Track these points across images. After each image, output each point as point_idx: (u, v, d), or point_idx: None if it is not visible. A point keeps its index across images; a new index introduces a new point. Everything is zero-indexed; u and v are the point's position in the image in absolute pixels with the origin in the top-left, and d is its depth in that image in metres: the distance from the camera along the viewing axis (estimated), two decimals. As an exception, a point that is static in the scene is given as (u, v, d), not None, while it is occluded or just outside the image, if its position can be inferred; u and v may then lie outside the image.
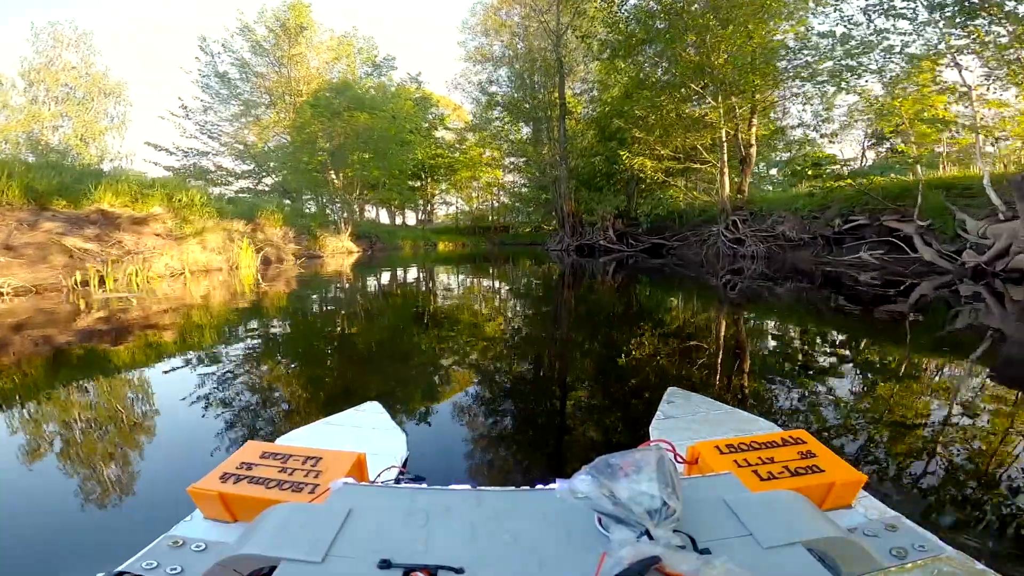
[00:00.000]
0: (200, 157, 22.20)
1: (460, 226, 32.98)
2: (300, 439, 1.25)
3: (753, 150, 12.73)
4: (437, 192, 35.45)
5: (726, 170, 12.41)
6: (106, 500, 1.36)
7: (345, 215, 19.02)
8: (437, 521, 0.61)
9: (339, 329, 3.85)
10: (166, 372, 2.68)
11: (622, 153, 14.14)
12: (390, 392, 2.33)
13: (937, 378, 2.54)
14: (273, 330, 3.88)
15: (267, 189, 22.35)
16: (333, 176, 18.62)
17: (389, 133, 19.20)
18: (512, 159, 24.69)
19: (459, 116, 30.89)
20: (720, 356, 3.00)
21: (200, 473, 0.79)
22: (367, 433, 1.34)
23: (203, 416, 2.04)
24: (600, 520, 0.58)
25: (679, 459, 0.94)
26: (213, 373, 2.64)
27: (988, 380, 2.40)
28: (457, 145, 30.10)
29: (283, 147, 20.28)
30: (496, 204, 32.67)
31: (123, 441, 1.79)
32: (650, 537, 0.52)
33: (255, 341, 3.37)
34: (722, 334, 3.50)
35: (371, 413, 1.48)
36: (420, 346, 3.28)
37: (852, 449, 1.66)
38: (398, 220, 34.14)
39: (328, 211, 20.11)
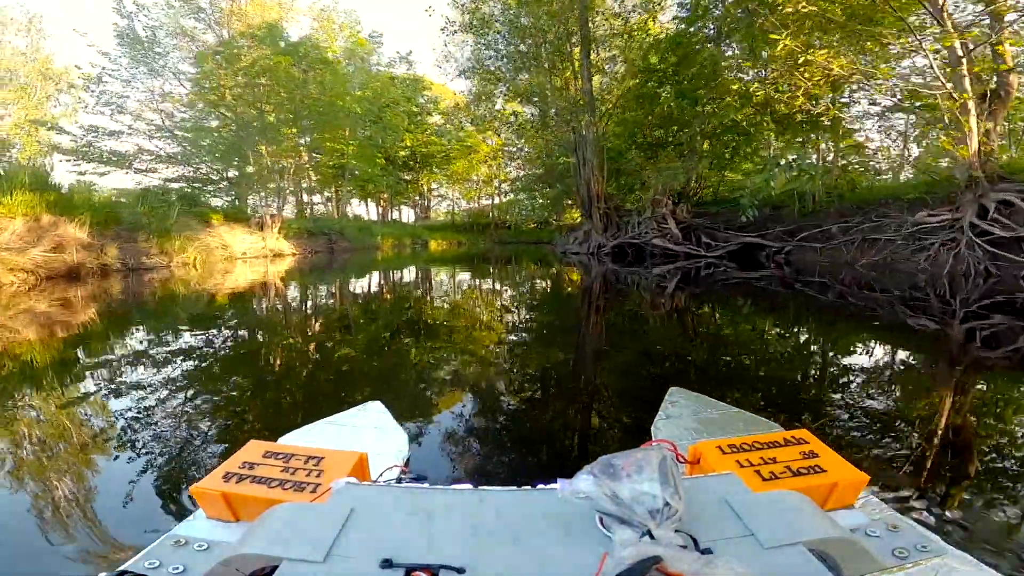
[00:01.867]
0: (110, 138, 21.21)
1: (457, 223, 35.52)
2: (302, 438, 1.47)
3: (1014, 79, 8.81)
4: (433, 186, 37.87)
5: (972, 108, 8.24)
6: (109, 500, 1.65)
7: (274, 205, 18.35)
8: (439, 521, 0.76)
9: None
10: (167, 373, 3.24)
11: (774, 35, 9.02)
12: (392, 392, 2.87)
13: (940, 379, 3.05)
14: None
15: (214, 177, 21.83)
16: (262, 152, 17.84)
17: (338, 100, 18.99)
18: (515, 126, 24.52)
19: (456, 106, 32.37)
20: (722, 356, 3.56)
21: (203, 473, 0.96)
22: (369, 433, 1.57)
23: (205, 416, 2.48)
24: (601, 520, 0.73)
25: (681, 459, 1.15)
26: (213, 374, 3.25)
27: (995, 381, 2.87)
28: (450, 126, 31.36)
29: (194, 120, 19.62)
30: (497, 200, 34.94)
31: (125, 441, 2.14)
32: (652, 537, 0.65)
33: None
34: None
35: (373, 413, 1.74)
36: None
37: (854, 449, 2.02)
38: (394, 217, 36.41)
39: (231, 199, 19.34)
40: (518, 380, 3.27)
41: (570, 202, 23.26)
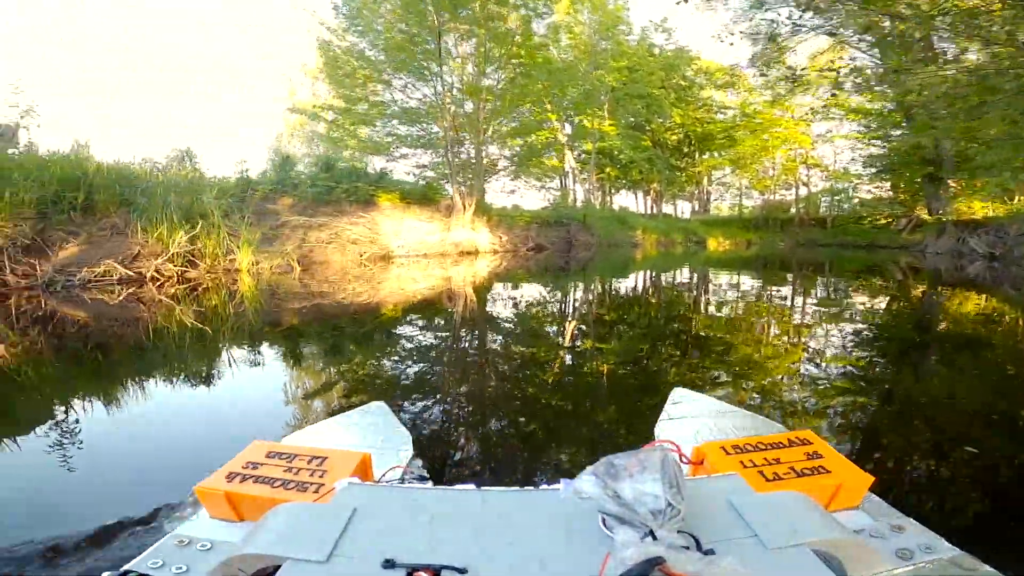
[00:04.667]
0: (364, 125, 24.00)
1: (745, 217, 36.28)
2: (306, 439, 1.91)
3: None
4: (715, 175, 39.44)
5: None
6: (111, 500, 2.22)
7: (470, 182, 18.55)
8: (441, 521, 0.99)
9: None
10: (170, 371, 4.35)
11: None
12: (396, 392, 3.73)
13: (944, 378, 4.06)
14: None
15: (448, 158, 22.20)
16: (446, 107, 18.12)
17: (599, 78, 20.00)
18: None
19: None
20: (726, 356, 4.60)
21: (206, 472, 1.36)
22: (372, 433, 2.01)
23: (209, 415, 3.37)
24: (604, 520, 0.94)
25: (684, 459, 1.44)
26: (218, 373, 4.28)
27: (1001, 380, 3.79)
28: (734, 100, 32.49)
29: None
30: (804, 190, 34.41)
31: (127, 441, 2.97)
32: (654, 538, 0.84)
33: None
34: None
35: (376, 413, 2.19)
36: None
37: (859, 450, 2.71)
38: (667, 211, 38.75)
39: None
40: (521, 379, 4.20)
41: (954, 185, 20.45)
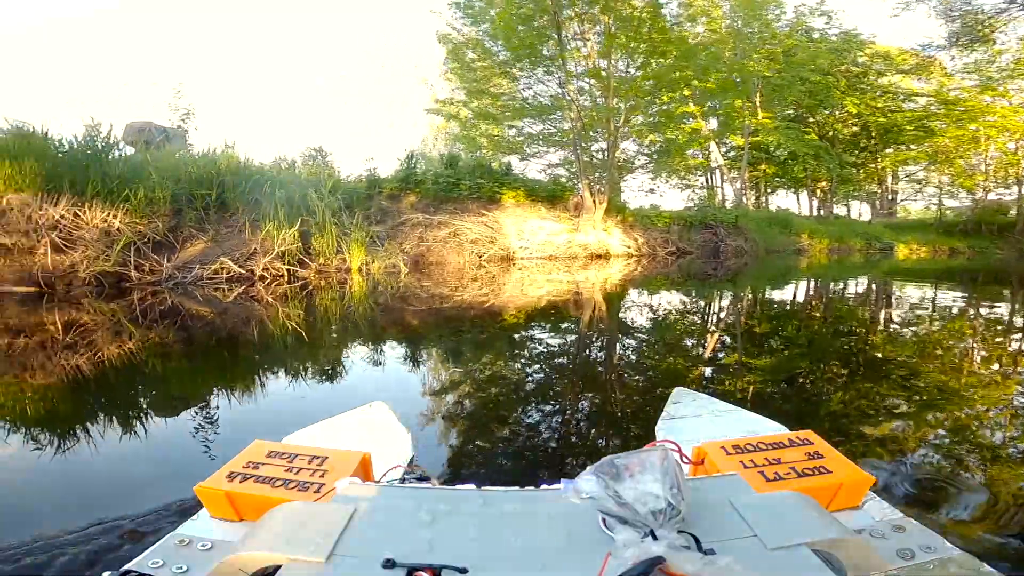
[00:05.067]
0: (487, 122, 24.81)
1: (948, 222, 33.54)
2: (306, 438, 2.00)
3: None
4: (906, 170, 36.86)
5: None
6: (112, 499, 2.35)
7: (602, 178, 17.97)
8: (442, 521, 1.04)
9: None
10: (173, 371, 4.73)
11: None
12: (397, 392, 4.05)
13: (948, 378, 4.48)
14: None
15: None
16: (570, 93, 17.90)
17: (750, 65, 19.57)
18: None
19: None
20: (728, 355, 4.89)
21: (207, 472, 1.45)
22: (373, 432, 2.09)
23: (210, 414, 3.58)
24: (604, 520, 0.98)
25: (685, 459, 1.52)
26: (219, 372, 4.70)
27: (1005, 380, 4.32)
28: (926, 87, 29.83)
29: None
30: None
31: (129, 440, 3.16)
32: (654, 538, 0.88)
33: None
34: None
35: (377, 413, 2.28)
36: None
37: (860, 450, 2.89)
38: (838, 213, 36.35)
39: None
40: (522, 378, 4.56)
41: None
